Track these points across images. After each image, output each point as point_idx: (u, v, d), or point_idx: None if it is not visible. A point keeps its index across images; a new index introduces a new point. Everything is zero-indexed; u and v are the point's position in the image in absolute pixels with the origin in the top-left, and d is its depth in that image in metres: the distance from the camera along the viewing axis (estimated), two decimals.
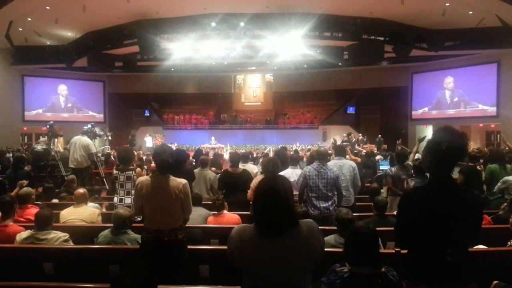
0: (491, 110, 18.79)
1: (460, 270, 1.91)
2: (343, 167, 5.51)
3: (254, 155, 12.36)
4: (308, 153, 9.77)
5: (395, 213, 4.29)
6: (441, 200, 1.93)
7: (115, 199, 4.91)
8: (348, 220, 3.36)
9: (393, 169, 5.87)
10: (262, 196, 1.89)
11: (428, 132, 20.66)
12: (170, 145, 14.48)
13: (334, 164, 5.51)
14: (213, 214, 4.65)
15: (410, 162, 5.98)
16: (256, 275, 1.85)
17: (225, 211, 4.62)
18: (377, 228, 3.56)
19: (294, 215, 1.88)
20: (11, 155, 10.86)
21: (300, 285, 1.85)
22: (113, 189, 7.09)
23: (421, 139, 6.59)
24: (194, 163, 7.83)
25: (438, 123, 19.00)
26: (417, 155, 7.14)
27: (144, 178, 3.24)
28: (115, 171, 5.01)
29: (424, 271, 1.94)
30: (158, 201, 3.12)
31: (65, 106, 23.59)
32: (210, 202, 4.97)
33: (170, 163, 3.20)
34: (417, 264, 1.98)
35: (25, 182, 5.33)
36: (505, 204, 4.73)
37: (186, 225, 3.46)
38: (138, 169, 5.55)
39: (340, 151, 5.97)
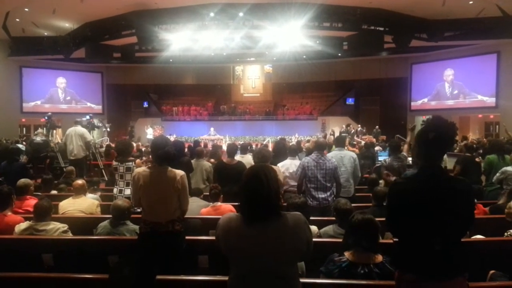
0: (490, 100, 18.76)
1: (449, 261, 1.90)
2: (344, 158, 5.51)
3: (253, 147, 12.35)
4: (307, 144, 9.77)
5: None
6: (429, 190, 1.93)
7: (115, 190, 4.92)
8: (346, 211, 3.37)
9: (387, 159, 5.90)
10: (245, 185, 1.93)
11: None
12: (168, 137, 14.50)
13: (334, 155, 5.51)
14: (208, 205, 4.65)
15: (404, 153, 5.98)
16: (241, 264, 1.87)
17: (220, 203, 4.61)
18: (376, 219, 3.59)
19: (276, 205, 1.89)
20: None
21: (284, 276, 1.86)
22: (111, 180, 7.11)
23: (412, 128, 6.61)
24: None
25: (437, 114, 18.95)
26: None
27: (142, 169, 3.22)
28: (114, 162, 5.01)
29: (413, 260, 1.94)
30: (156, 192, 3.11)
31: (63, 98, 23.51)
32: (207, 193, 4.97)
33: (174, 154, 3.19)
34: (406, 253, 1.99)
35: None
36: (505, 194, 4.73)
37: (185, 216, 3.45)
38: (137, 160, 5.56)
39: (340, 142, 5.98)
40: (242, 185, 1.94)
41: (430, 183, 1.95)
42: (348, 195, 5.39)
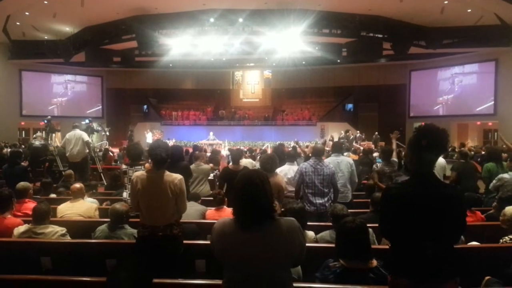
0: (489, 108, 18.83)
1: (441, 266, 1.93)
2: (340, 163, 5.52)
3: (253, 153, 12.36)
4: (306, 149, 9.78)
5: None
6: (421, 196, 1.96)
7: (125, 194, 4.90)
8: (343, 216, 3.38)
9: (379, 164, 5.95)
10: (239, 189, 1.94)
11: None
12: (166, 141, 14.44)
13: (331, 160, 5.53)
14: (210, 209, 4.68)
15: (395, 159, 6.02)
16: (235, 268, 1.89)
17: (225, 206, 4.65)
18: (373, 224, 3.61)
19: (270, 209, 1.91)
20: (9, 149, 10.84)
21: (277, 280, 1.87)
22: (111, 185, 7.13)
23: (395, 135, 6.67)
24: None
25: (436, 121, 19.05)
26: None
27: (140, 173, 3.24)
28: (123, 166, 5.01)
29: (405, 265, 1.97)
30: (153, 196, 3.13)
31: (62, 101, 23.52)
32: (211, 198, 4.98)
33: (163, 157, 3.19)
34: (399, 258, 2.01)
35: None
36: (495, 203, 4.77)
37: (182, 220, 3.47)
38: (147, 165, 5.55)
39: (337, 148, 5.99)
40: (237, 190, 1.95)
41: (422, 188, 1.98)
42: (345, 200, 5.40)
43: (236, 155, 5.93)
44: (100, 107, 25.14)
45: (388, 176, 5.70)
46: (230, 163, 6.09)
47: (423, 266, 1.92)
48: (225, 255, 1.91)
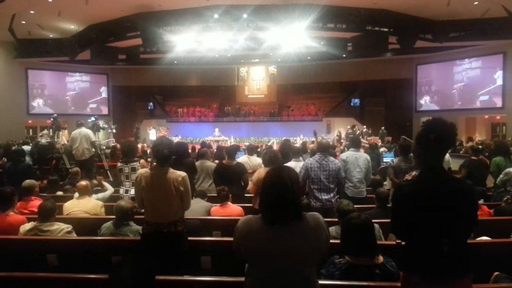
0: (497, 101, 18.61)
1: (456, 261, 1.91)
2: (359, 159, 5.52)
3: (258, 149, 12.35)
4: (311, 145, 9.75)
5: None
6: (431, 191, 1.94)
7: (121, 191, 4.96)
8: (349, 212, 3.35)
9: (395, 160, 5.89)
10: (269, 187, 1.93)
11: None
12: (172, 138, 14.47)
13: (350, 155, 5.53)
14: (215, 205, 4.68)
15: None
16: (262, 266, 1.87)
17: (229, 203, 4.65)
18: (379, 220, 3.58)
19: (300, 206, 1.91)
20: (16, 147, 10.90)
21: (305, 276, 1.87)
22: (116, 181, 7.15)
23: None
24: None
25: (442, 115, 18.88)
26: None
27: (144, 171, 3.24)
28: (119, 164, 5.04)
29: (419, 262, 1.95)
30: (157, 193, 3.12)
31: (68, 99, 23.64)
32: (211, 194, 4.98)
33: (166, 154, 3.17)
34: (413, 255, 1.99)
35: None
36: (508, 196, 4.70)
37: (186, 217, 3.46)
38: (142, 161, 5.60)
39: (356, 143, 5.96)
40: (266, 187, 1.94)
41: (431, 184, 1.96)
42: (361, 195, 5.41)
43: (231, 150, 5.94)
44: (106, 96, 25.15)
45: (404, 172, 5.64)
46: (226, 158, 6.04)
47: (439, 262, 1.90)
48: (253, 252, 1.89)
